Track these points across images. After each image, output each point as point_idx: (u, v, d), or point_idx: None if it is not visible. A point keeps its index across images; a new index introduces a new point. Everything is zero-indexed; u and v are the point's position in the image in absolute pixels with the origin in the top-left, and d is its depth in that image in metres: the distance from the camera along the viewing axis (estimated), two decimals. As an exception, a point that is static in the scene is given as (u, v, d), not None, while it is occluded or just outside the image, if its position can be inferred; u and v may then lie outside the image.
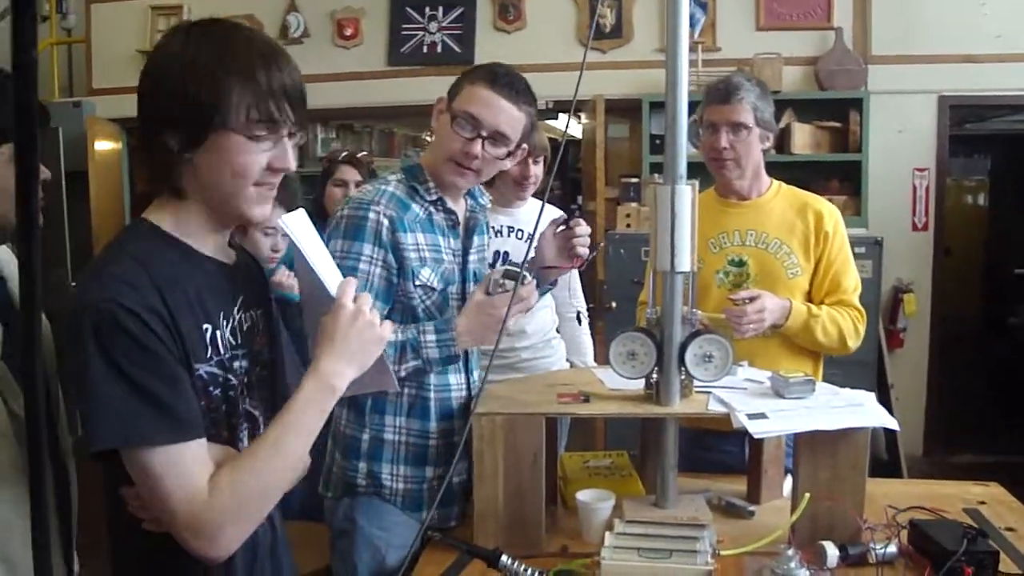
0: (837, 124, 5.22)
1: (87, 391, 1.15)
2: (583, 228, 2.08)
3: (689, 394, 1.94)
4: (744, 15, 5.42)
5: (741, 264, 2.51)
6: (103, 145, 5.95)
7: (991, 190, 8.77)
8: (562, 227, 2.09)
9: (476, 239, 2.13)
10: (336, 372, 1.29)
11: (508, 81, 1.96)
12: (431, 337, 1.90)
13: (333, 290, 1.35)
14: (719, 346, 1.86)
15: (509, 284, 1.89)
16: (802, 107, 5.25)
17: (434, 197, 2.00)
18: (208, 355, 1.29)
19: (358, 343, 1.31)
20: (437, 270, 1.98)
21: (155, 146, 1.25)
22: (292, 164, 1.30)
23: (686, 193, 1.84)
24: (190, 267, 1.30)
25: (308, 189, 5.30)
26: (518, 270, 1.85)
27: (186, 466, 1.17)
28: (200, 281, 1.30)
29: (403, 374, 1.90)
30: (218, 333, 1.31)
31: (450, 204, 2.03)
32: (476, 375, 2.15)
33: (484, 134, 1.94)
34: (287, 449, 1.24)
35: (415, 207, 1.98)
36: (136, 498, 1.23)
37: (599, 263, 5.07)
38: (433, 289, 1.97)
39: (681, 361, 1.87)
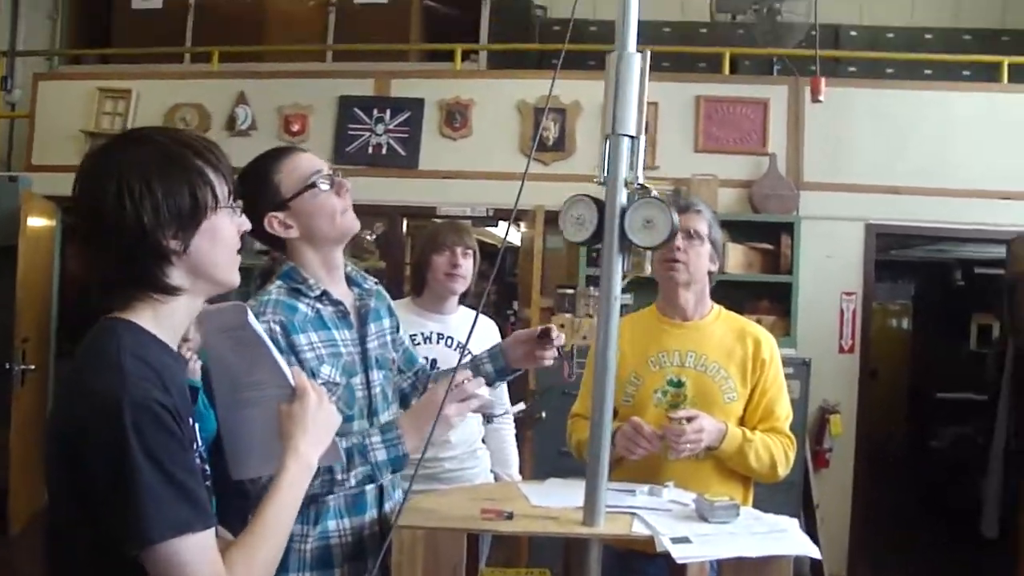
0: (769, 246, 5.37)
1: (130, 487, 1.20)
2: (559, 341, 2.10)
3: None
4: (683, 137, 5.62)
5: (679, 385, 2.51)
6: (36, 221, 5.85)
7: (914, 314, 9.07)
8: (541, 336, 2.12)
9: (373, 326, 2.09)
10: (312, 452, 1.43)
11: (282, 147, 2.08)
12: (376, 439, 1.86)
13: (291, 379, 1.45)
14: (660, 211, 1.82)
15: (481, 391, 1.92)
16: (736, 228, 5.40)
17: (318, 292, 1.99)
18: (195, 448, 1.36)
19: (323, 426, 1.46)
20: (337, 364, 1.95)
21: (144, 256, 1.31)
22: (250, 225, 1.46)
23: (634, 59, 1.83)
24: (174, 364, 1.37)
25: (246, 280, 5.26)
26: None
27: (209, 551, 1.26)
28: (181, 378, 1.38)
29: (353, 482, 1.86)
30: (196, 427, 1.39)
31: (336, 296, 2.02)
32: (398, 494, 2.10)
33: (330, 171, 1.99)
34: (282, 524, 1.37)
35: (302, 307, 1.96)
36: None
37: (530, 371, 5.06)
38: (336, 384, 1.94)
39: (622, 227, 1.83)
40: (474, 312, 3.19)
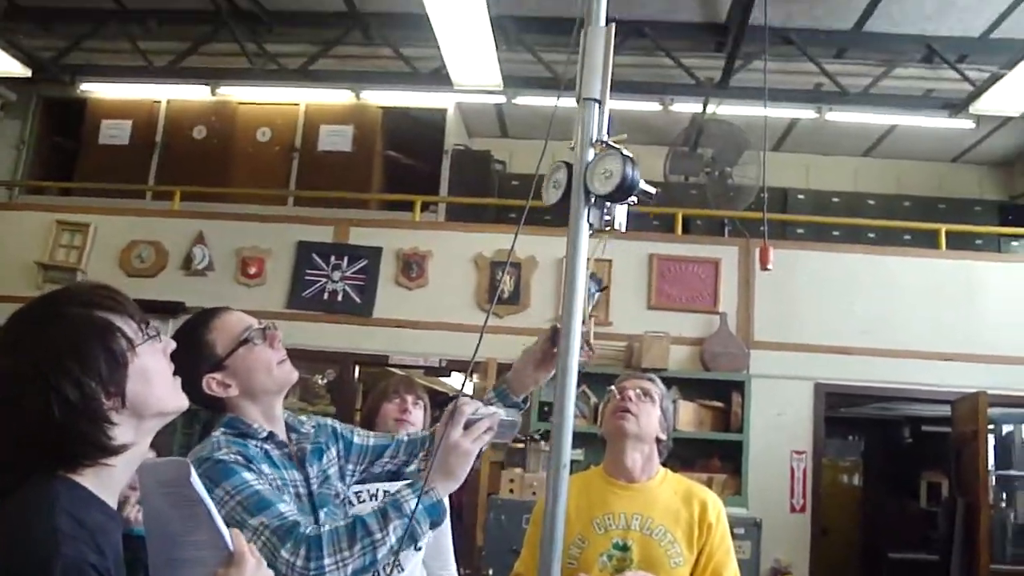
0: (720, 404, 5.42)
1: None
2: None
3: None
4: (636, 294, 5.73)
5: (625, 549, 2.46)
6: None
7: (865, 471, 9.09)
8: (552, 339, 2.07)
9: (313, 468, 2.06)
10: None
11: (209, 309, 2.03)
12: (406, 492, 1.77)
13: (229, 542, 1.37)
14: (618, 162, 1.80)
15: (483, 411, 1.82)
16: (687, 386, 5.45)
17: (264, 434, 1.96)
18: None
19: None
20: (291, 502, 1.91)
21: (84, 426, 1.26)
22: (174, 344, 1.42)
23: (600, 33, 1.87)
24: (111, 523, 1.30)
25: (188, 421, 5.14)
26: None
27: None
28: (117, 541, 1.31)
29: (393, 538, 1.75)
30: None
31: (280, 436, 1.99)
32: None
33: (260, 325, 1.97)
34: None
35: (252, 446, 1.93)
36: None
37: (478, 528, 4.96)
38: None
39: (585, 180, 1.81)
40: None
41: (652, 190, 1.87)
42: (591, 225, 1.89)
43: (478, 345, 1.96)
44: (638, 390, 2.52)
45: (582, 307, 1.89)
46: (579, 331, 1.91)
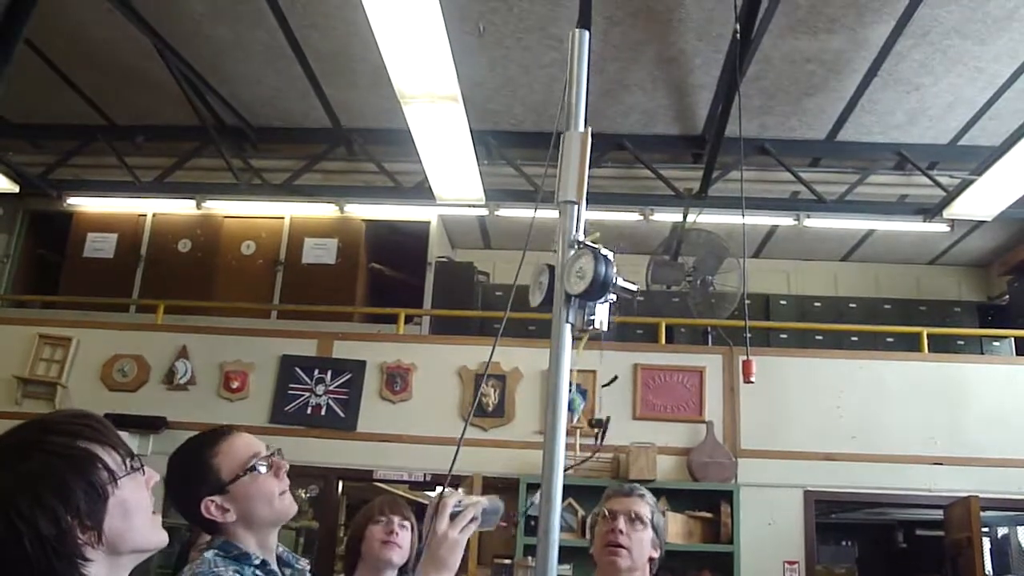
0: (709, 515, 5.33)
1: None
2: None
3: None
4: (622, 404, 5.71)
5: None
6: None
7: (860, 577, 8.93)
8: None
9: None
10: None
11: (217, 430, 1.99)
12: None
13: None
14: (590, 261, 1.78)
15: (466, 500, 1.80)
16: (675, 496, 5.38)
17: (258, 561, 1.91)
18: None
19: None
20: None
21: (58, 564, 1.21)
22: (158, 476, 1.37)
23: (576, 137, 1.88)
24: None
25: (173, 539, 5.03)
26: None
27: None
28: None
29: None
30: None
31: (273, 566, 1.94)
32: None
33: (268, 452, 1.95)
34: None
35: (247, 571, 1.89)
36: None
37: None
38: None
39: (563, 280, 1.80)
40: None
41: (633, 287, 1.88)
42: (572, 326, 1.92)
43: (455, 457, 1.95)
44: (630, 514, 2.50)
45: (566, 415, 1.90)
46: (563, 438, 1.90)
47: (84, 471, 1.25)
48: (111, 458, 1.29)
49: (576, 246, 1.92)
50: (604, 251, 1.90)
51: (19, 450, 1.27)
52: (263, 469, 1.92)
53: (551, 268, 1.93)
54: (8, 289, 7.55)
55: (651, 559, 2.56)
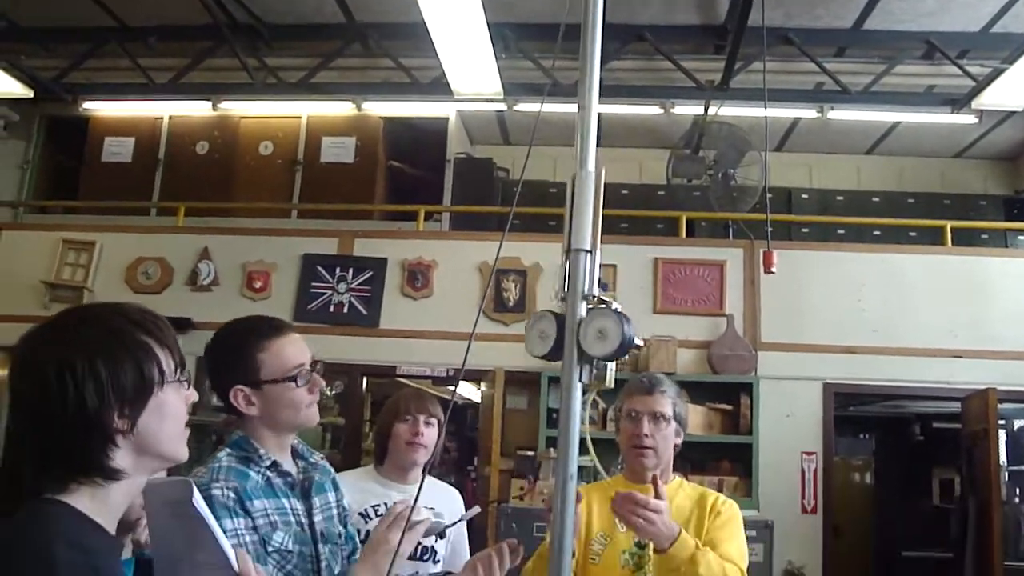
0: (728, 407, 5.40)
1: None
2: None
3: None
4: (642, 298, 5.72)
5: (643, 547, 2.51)
6: (-14, 376, 5.72)
7: (876, 469, 9.04)
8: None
9: (318, 499, 2.05)
10: None
11: (276, 320, 2.01)
12: None
13: (234, 563, 1.38)
14: (613, 321, 1.78)
15: (423, 514, 1.91)
16: (695, 389, 5.41)
17: (268, 462, 1.96)
18: None
19: None
20: (289, 532, 1.91)
21: (89, 438, 1.25)
22: (197, 396, 1.40)
23: (590, 177, 1.82)
24: (109, 550, 1.29)
25: (202, 436, 5.15)
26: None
27: None
28: (117, 565, 1.31)
29: None
30: None
31: (285, 466, 1.99)
32: None
33: (311, 366, 1.97)
34: None
35: (253, 474, 1.93)
36: None
37: (489, 536, 4.95)
38: (290, 552, 1.89)
39: (578, 338, 1.78)
40: (439, 482, 3.16)
41: (641, 342, 1.83)
42: (583, 383, 1.90)
43: (468, 348, 1.98)
44: (654, 415, 2.54)
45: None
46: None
47: (139, 360, 1.29)
48: (166, 360, 1.32)
49: (594, 301, 1.85)
50: (620, 308, 1.83)
51: (88, 321, 1.32)
52: (301, 383, 1.95)
53: (556, 318, 1.85)
54: (30, 196, 7.58)
55: (676, 445, 2.63)
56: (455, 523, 2.36)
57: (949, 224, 6.11)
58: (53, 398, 1.25)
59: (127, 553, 2.69)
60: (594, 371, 1.85)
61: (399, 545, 1.81)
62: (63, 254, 6.25)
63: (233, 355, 1.96)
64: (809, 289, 5.74)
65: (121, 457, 1.29)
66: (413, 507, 1.88)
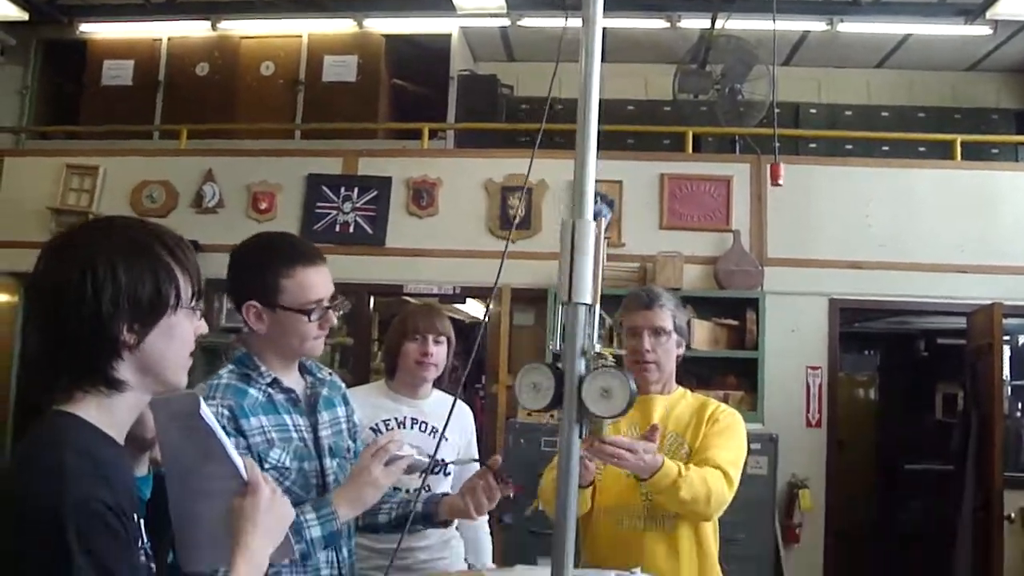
0: (734, 322, 5.42)
1: None
2: (507, 491, 2.10)
3: (591, 441, 1.92)
4: (649, 214, 5.70)
5: None
6: (-4, 299, 5.78)
7: (880, 385, 9.11)
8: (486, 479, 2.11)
9: (326, 414, 2.09)
10: (263, 550, 1.39)
11: (310, 249, 2.02)
12: (311, 516, 1.84)
13: (243, 472, 1.41)
14: (618, 381, 1.81)
15: (405, 450, 1.93)
16: (701, 304, 5.45)
17: (269, 379, 1.99)
18: (140, 545, 1.32)
19: (276, 522, 1.42)
20: (288, 448, 1.95)
21: (97, 344, 1.28)
22: (207, 329, 1.43)
23: (590, 227, 1.84)
24: (119, 459, 1.32)
25: (212, 359, 5.20)
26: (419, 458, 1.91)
27: None
28: (128, 474, 1.34)
29: (287, 561, 1.83)
30: (141, 523, 1.35)
31: (287, 383, 2.02)
32: (346, 551, 2.07)
33: (329, 304, 1.99)
34: None
35: (252, 391, 1.96)
36: None
37: (498, 451, 5.01)
38: (287, 468, 1.93)
39: (579, 395, 1.82)
40: (449, 396, 3.19)
41: (634, 388, 1.80)
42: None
43: (500, 271, 2.01)
44: (654, 330, 2.56)
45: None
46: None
47: (159, 278, 1.31)
48: (185, 285, 1.35)
49: (595, 358, 1.83)
50: (621, 370, 1.82)
51: (116, 231, 1.34)
52: (314, 318, 1.96)
53: (552, 371, 1.82)
54: (30, 122, 7.52)
55: (678, 356, 2.65)
56: (452, 463, 2.37)
57: (960, 138, 6.03)
58: (70, 298, 1.27)
59: (144, 470, 2.74)
60: (591, 425, 1.89)
61: (371, 474, 1.87)
62: (67, 179, 6.23)
63: (257, 272, 1.97)
64: (816, 204, 5.71)
65: (125, 370, 1.31)
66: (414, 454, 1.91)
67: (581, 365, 1.82)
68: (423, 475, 1.92)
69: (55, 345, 1.29)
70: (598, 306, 1.80)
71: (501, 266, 1.96)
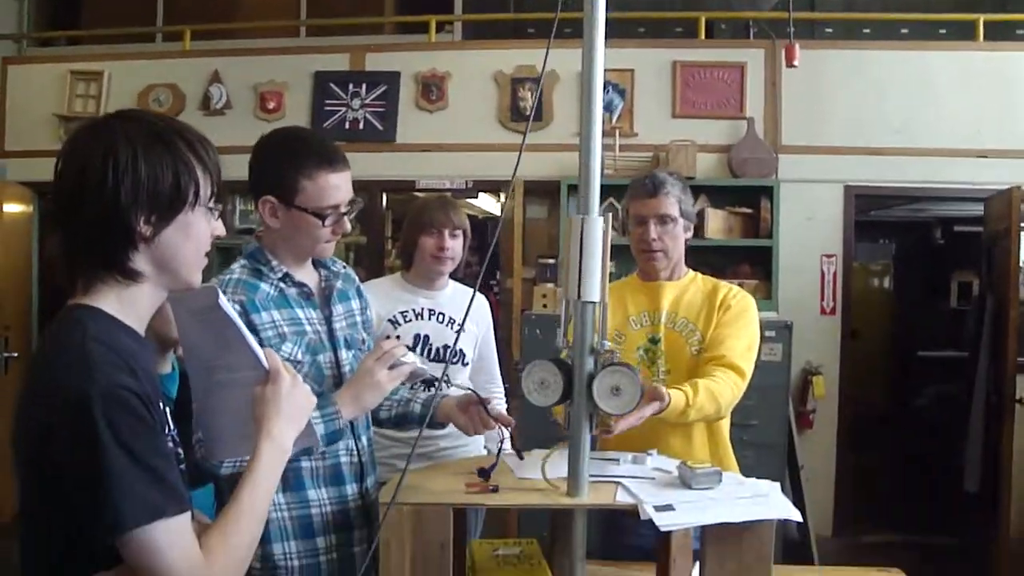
0: (749, 210, 5.38)
1: (103, 476, 1.19)
2: (495, 410, 2.14)
3: (604, 428, 1.96)
4: (661, 103, 5.62)
5: (656, 342, 2.59)
6: (12, 208, 5.80)
7: (895, 274, 9.12)
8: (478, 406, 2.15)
9: (340, 306, 2.11)
10: (286, 435, 1.42)
11: (336, 152, 1.99)
12: (315, 414, 1.88)
13: (264, 361, 1.44)
14: (628, 379, 1.86)
15: (409, 356, 1.95)
16: (715, 193, 5.41)
17: (281, 274, 2.00)
18: (167, 432, 1.37)
19: (297, 407, 1.45)
20: (300, 342, 1.97)
21: (114, 233, 1.30)
22: (224, 231, 1.45)
23: (597, 224, 1.86)
24: (141, 349, 1.35)
25: (227, 259, 5.24)
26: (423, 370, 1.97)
27: (185, 536, 1.25)
28: (149, 363, 1.37)
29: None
30: (167, 411, 1.39)
31: (299, 277, 2.03)
32: (365, 440, 2.13)
33: (345, 210, 1.99)
34: (258, 510, 1.36)
35: (264, 286, 1.98)
36: None
37: (514, 344, 5.08)
38: (299, 362, 1.96)
39: (590, 393, 1.87)
40: (465, 286, 3.21)
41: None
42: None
43: (517, 164, 2.06)
44: (659, 217, 2.55)
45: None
46: (599, 150, 1.89)
47: (179, 172, 1.33)
48: (204, 184, 1.36)
49: (605, 356, 1.88)
50: (628, 366, 1.86)
51: (142, 123, 1.35)
52: (328, 223, 1.95)
53: (559, 367, 1.88)
54: (31, 27, 7.40)
55: (686, 240, 2.65)
56: (455, 385, 2.39)
57: (982, 18, 5.85)
58: (90, 183, 1.28)
59: (168, 368, 2.79)
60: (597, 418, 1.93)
61: (376, 376, 1.89)
62: (72, 85, 6.17)
63: (278, 167, 1.96)
64: (832, 90, 5.59)
65: (140, 262, 1.33)
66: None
67: (590, 363, 1.87)
68: (444, 370, 1.93)
69: (74, 235, 1.32)
70: (606, 304, 1.87)
71: (519, 158, 1.95)
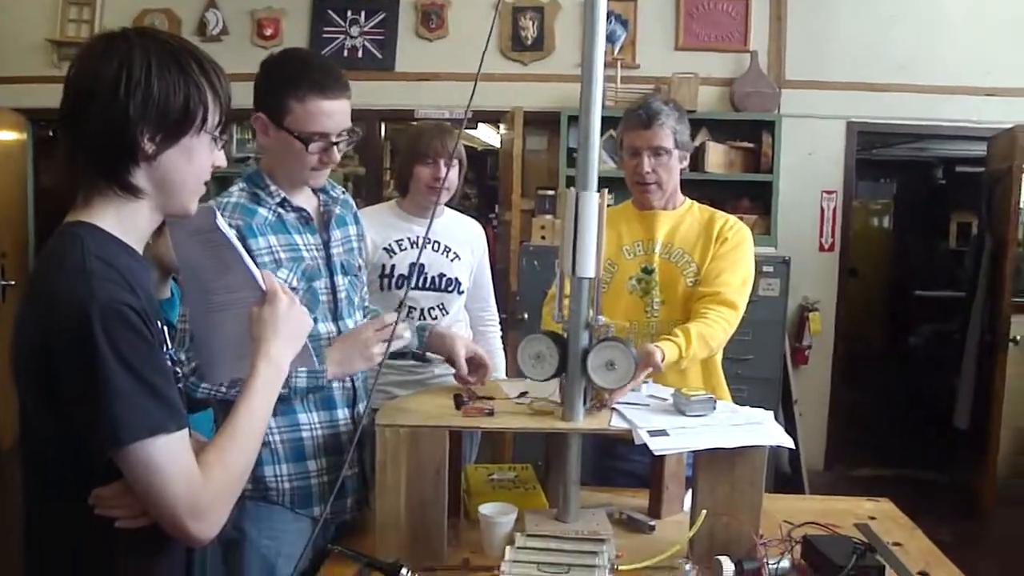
0: (750, 145, 5.34)
1: (102, 390, 1.19)
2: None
3: (598, 402, 1.97)
4: (664, 35, 5.53)
5: (650, 272, 2.57)
6: (6, 135, 5.73)
7: (895, 213, 9.09)
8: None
9: (338, 231, 2.10)
10: (283, 354, 1.43)
11: (333, 79, 1.95)
12: (301, 370, 1.88)
13: (261, 282, 1.44)
14: (622, 353, 1.87)
15: (406, 335, 2.01)
16: (717, 127, 5.37)
17: (279, 199, 1.99)
18: (165, 350, 1.37)
19: (294, 329, 1.46)
20: (297, 268, 1.97)
21: (117, 145, 1.29)
22: (225, 162, 1.44)
23: (593, 200, 1.85)
24: (139, 267, 1.35)
25: (220, 190, 5.21)
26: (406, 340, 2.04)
27: (183, 452, 1.26)
28: (147, 280, 1.37)
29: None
30: (164, 329, 1.39)
31: (297, 202, 2.02)
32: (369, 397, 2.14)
33: (336, 139, 1.96)
34: (256, 429, 1.37)
35: (262, 211, 1.97)
36: (113, 497, 1.29)
37: (512, 274, 5.07)
38: (295, 289, 1.95)
39: (584, 367, 1.88)
40: (461, 214, 3.19)
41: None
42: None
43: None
44: (653, 150, 2.52)
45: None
46: (600, 82, 1.87)
47: (190, 95, 1.31)
48: (213, 110, 1.35)
49: (600, 330, 1.89)
50: (621, 340, 1.87)
51: (160, 41, 1.33)
52: (312, 149, 1.92)
53: (555, 340, 1.89)
54: (22, -51, 7.24)
55: (681, 171, 2.62)
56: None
57: (995, -49, 5.74)
58: (101, 93, 1.27)
59: (167, 293, 2.79)
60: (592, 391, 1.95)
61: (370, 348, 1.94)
62: (65, 9, 6.02)
63: (272, 87, 1.93)
64: (837, 25, 5.51)
65: (139, 177, 1.32)
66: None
67: (585, 338, 1.88)
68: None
69: (78, 143, 1.30)
70: (599, 273, 1.88)
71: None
